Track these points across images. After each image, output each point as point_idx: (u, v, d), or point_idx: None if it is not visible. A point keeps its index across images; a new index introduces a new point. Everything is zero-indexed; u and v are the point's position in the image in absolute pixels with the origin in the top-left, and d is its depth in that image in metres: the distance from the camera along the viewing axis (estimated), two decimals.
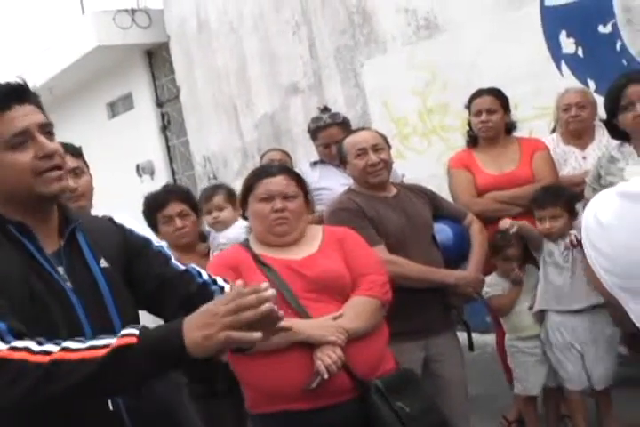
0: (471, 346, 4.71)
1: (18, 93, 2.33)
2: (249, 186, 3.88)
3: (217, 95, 11.92)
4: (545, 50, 7.19)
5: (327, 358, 3.41)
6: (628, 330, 5.10)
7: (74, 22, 14.21)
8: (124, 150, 14.11)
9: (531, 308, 5.07)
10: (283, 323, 2.24)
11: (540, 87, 7.04)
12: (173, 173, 14.21)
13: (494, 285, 5.06)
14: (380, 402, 3.49)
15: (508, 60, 7.37)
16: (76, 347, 2.04)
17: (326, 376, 3.39)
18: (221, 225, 5.08)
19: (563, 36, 7.06)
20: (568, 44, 7.04)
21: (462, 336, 4.67)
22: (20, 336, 2.08)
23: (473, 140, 5.66)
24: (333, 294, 3.64)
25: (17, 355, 2.02)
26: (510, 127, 5.60)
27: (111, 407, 2.32)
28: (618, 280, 1.61)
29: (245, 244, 3.86)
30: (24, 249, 2.31)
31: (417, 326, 4.29)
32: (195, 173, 12.99)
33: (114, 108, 15.50)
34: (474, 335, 4.74)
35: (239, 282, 2.15)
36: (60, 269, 2.35)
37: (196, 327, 2.03)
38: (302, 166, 6.15)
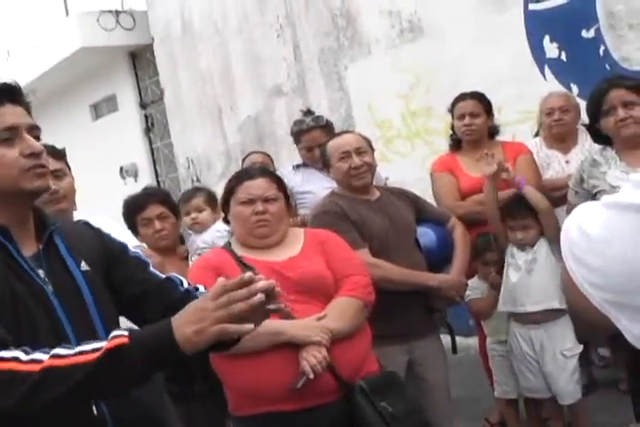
0: (454, 349, 4.72)
1: (12, 93, 2.37)
2: (230, 189, 3.90)
3: (201, 97, 11.91)
4: (528, 54, 7.22)
5: (312, 359, 3.41)
6: (603, 335, 5.13)
7: (57, 23, 14.18)
8: (107, 152, 14.05)
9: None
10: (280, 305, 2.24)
11: (523, 91, 7.07)
12: (157, 175, 14.19)
13: (474, 288, 5.08)
14: (365, 402, 3.51)
15: (491, 63, 7.39)
16: (65, 353, 2.04)
17: (312, 376, 3.38)
18: (200, 226, 5.08)
19: (546, 40, 7.09)
20: (551, 49, 7.07)
21: (445, 339, 4.68)
22: (5, 346, 2.07)
23: (456, 144, 5.68)
24: (317, 295, 3.65)
25: (5, 366, 2.02)
26: (494, 131, 5.62)
27: (95, 412, 2.31)
28: (610, 296, 1.51)
29: (227, 246, 3.87)
30: (4, 251, 2.30)
31: (400, 329, 4.30)
32: (178, 175, 12.98)
33: (97, 110, 15.47)
34: (457, 338, 4.76)
35: (221, 279, 2.14)
36: (41, 273, 2.35)
37: (187, 323, 2.04)
38: (284, 170, 6.15)
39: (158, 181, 13.83)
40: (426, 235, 4.61)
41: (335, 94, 9.51)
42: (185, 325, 2.05)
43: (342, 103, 9.42)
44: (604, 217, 1.53)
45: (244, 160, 7.03)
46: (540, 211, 4.81)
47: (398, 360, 4.31)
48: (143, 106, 14.16)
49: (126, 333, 2.05)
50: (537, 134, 6.09)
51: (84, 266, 2.45)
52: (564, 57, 7.00)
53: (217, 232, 4.92)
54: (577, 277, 1.57)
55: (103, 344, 2.03)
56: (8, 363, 2.02)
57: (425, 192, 5.22)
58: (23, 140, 2.33)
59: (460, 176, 5.49)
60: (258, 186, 3.81)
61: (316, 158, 5.53)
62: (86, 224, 2.70)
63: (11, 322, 2.19)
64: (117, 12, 13.29)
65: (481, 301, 5.16)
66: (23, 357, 2.04)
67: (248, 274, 2.12)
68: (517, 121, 6.98)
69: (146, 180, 13.71)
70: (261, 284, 2.10)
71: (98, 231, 2.66)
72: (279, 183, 3.92)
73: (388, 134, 8.73)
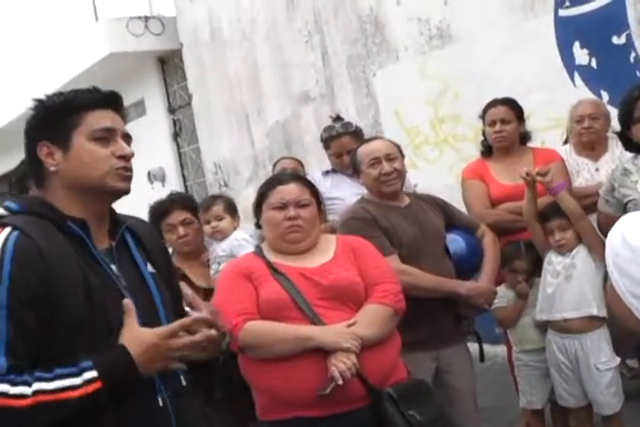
0: (482, 357, 4.69)
1: (115, 101, 2.59)
2: (262, 194, 3.90)
3: (229, 103, 11.93)
4: (558, 60, 7.19)
5: (342, 365, 3.39)
6: (632, 346, 5.09)
7: (87, 29, 14.24)
8: (135, 157, 13.97)
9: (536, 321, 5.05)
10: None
11: (552, 98, 7.03)
12: (184, 179, 14.22)
13: (500, 296, 5.02)
14: (393, 410, 3.49)
15: (520, 70, 7.36)
16: (49, 389, 2.18)
17: (340, 382, 3.37)
18: (220, 235, 5.06)
19: (576, 46, 7.06)
20: (582, 55, 7.04)
21: (473, 347, 4.66)
22: (19, 371, 2.20)
23: (487, 150, 5.66)
24: (347, 302, 3.65)
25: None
26: (525, 137, 5.60)
27: (160, 403, 2.42)
28: None
29: (259, 252, 3.87)
30: (81, 245, 2.39)
31: (428, 336, 4.28)
32: (206, 180, 12.99)
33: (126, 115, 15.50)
34: (484, 346, 4.73)
35: (210, 308, 2.45)
36: (113, 267, 2.44)
37: (149, 360, 2.31)
38: (314, 175, 6.14)
39: (186, 186, 13.85)
40: (455, 242, 4.59)
41: (363, 100, 9.50)
42: (147, 362, 2.30)
43: (370, 109, 9.41)
44: None
45: (274, 165, 7.03)
46: (571, 216, 4.77)
47: (426, 367, 4.30)
48: (171, 111, 14.19)
49: (97, 374, 2.23)
50: (566, 142, 6.06)
51: (150, 268, 2.57)
52: (594, 64, 6.96)
53: (235, 241, 4.92)
54: (620, 286, 1.55)
55: (79, 383, 2.21)
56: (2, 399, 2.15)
57: (453, 199, 5.19)
58: (117, 142, 2.50)
59: (491, 183, 5.46)
60: (290, 191, 3.81)
61: (346, 164, 5.53)
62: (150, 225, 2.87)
63: (84, 318, 2.27)
64: (146, 18, 13.33)
65: (506, 309, 5.12)
66: (10, 390, 2.15)
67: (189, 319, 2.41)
68: (546, 128, 6.94)
69: (173, 184, 13.73)
70: (199, 318, 2.42)
71: (159, 235, 2.86)
72: (312, 188, 3.92)
73: (415, 141, 8.72)
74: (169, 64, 14.04)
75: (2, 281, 2.20)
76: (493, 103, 5.61)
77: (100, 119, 2.48)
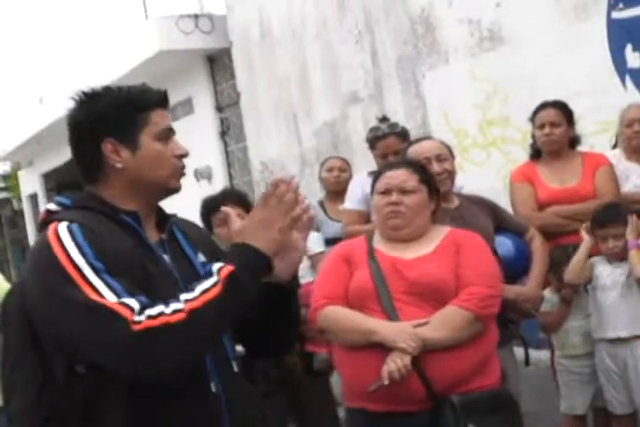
0: (527, 361, 4.65)
1: (166, 101, 2.63)
2: (374, 180, 3.89)
3: (277, 102, 11.97)
4: (609, 63, 7.13)
5: (392, 365, 3.35)
6: None
7: (137, 27, 14.34)
8: None
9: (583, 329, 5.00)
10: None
11: (602, 102, 6.98)
12: (231, 178, 14.26)
13: (545, 301, 4.99)
14: (450, 418, 3.38)
15: (571, 73, 7.32)
16: (193, 296, 2.23)
17: (386, 382, 3.33)
18: None
19: (628, 49, 7.00)
20: (633, 58, 6.97)
21: (518, 351, 4.63)
22: (150, 306, 2.23)
23: (536, 153, 5.61)
24: (430, 300, 3.54)
25: (157, 322, 2.17)
26: (574, 141, 5.56)
27: (213, 389, 2.45)
28: None
29: (370, 236, 3.85)
30: (137, 237, 2.44)
31: None
32: (252, 178, 13.03)
33: (174, 113, 15.57)
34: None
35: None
36: (166, 258, 2.49)
37: (263, 233, 2.36)
38: (359, 176, 6.13)
39: (232, 184, 13.87)
40: (504, 245, 4.55)
41: (412, 102, 9.49)
42: (261, 237, 2.36)
43: (418, 111, 9.39)
44: None
45: (322, 165, 7.03)
46: None
47: None
48: (219, 109, 14.24)
49: (223, 264, 2.30)
50: (615, 146, 6.01)
51: (201, 257, 2.61)
52: None
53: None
54: None
55: (215, 279, 2.26)
56: (159, 318, 2.18)
57: (499, 202, 5.13)
58: (173, 142, 2.56)
59: (539, 186, 5.42)
60: (396, 176, 3.76)
61: None
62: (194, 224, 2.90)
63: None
64: (196, 16, 13.40)
65: (550, 314, 5.08)
66: (167, 309, 2.20)
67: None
68: (596, 132, 6.89)
69: (220, 182, 13.78)
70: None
71: (206, 230, 2.86)
72: (423, 176, 3.82)
73: (463, 143, 8.69)
74: (218, 62, 14.09)
75: (87, 253, 2.25)
76: (544, 106, 5.57)
77: (163, 119, 2.54)
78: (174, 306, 2.20)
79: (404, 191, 3.72)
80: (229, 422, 2.47)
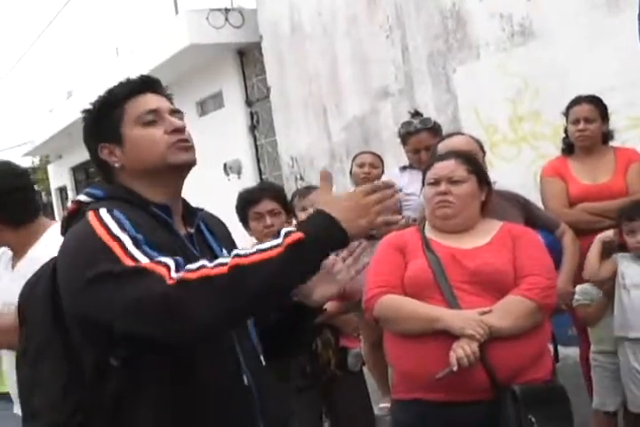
0: (557, 357, 4.64)
1: (153, 85, 2.59)
2: (424, 173, 3.91)
3: (307, 96, 11.96)
4: None
5: (460, 351, 3.32)
6: None
7: (167, 21, 14.38)
8: (212, 148, 14.11)
9: None
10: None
11: (634, 97, 6.93)
12: (260, 172, 14.29)
13: (585, 293, 4.95)
14: (511, 409, 3.38)
15: (603, 68, 7.26)
16: (245, 253, 2.14)
17: (455, 369, 3.31)
18: None
19: None
20: None
21: None
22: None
23: (568, 148, 5.59)
24: (491, 289, 3.54)
25: (196, 274, 2.10)
26: (607, 136, 5.52)
27: (246, 382, 2.44)
28: None
29: (421, 227, 3.86)
30: (169, 229, 2.44)
31: None
32: (282, 173, 13.03)
33: (204, 107, 15.63)
34: None
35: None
36: (196, 252, 2.47)
37: (355, 217, 2.21)
38: (390, 172, 6.12)
39: (262, 179, 13.90)
40: None
41: (442, 97, 9.46)
42: (353, 219, 2.21)
43: (449, 106, 9.37)
44: None
45: (353, 159, 7.00)
46: None
47: None
48: (249, 103, 14.27)
49: (295, 229, 2.17)
50: None
51: (225, 253, 2.56)
52: None
53: None
54: None
55: (279, 241, 2.14)
56: (198, 272, 2.11)
57: (529, 198, 5.14)
58: (165, 120, 2.51)
59: (570, 182, 5.40)
60: (445, 166, 3.77)
61: (423, 160, 5.49)
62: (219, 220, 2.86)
63: None
64: (227, 10, 13.44)
65: (590, 307, 5.03)
66: (209, 263, 2.14)
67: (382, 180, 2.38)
68: (627, 127, 6.85)
69: (249, 177, 13.82)
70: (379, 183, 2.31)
71: (224, 224, 2.84)
72: (472, 166, 3.83)
73: (493, 138, 8.65)
74: (248, 57, 14.12)
75: (128, 229, 2.25)
76: (578, 101, 5.53)
77: (142, 104, 2.51)
78: (219, 260, 2.15)
79: (452, 181, 3.73)
80: (261, 415, 2.47)
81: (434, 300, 3.52)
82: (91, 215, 2.31)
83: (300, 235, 2.13)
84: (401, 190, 5.59)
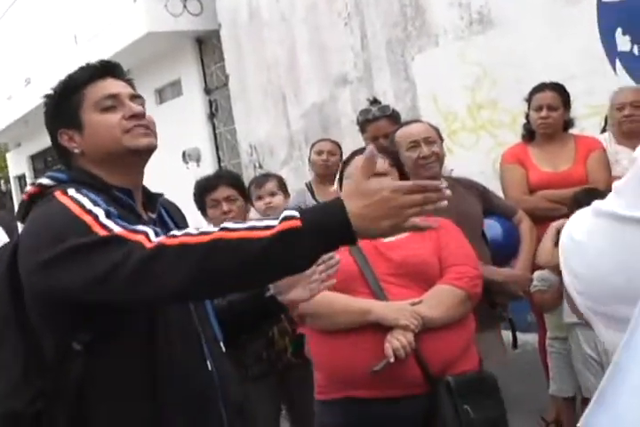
0: (515, 344, 4.66)
1: (114, 70, 2.59)
2: (342, 166, 3.86)
3: (266, 84, 11.93)
4: (599, 47, 7.11)
5: (396, 342, 3.27)
6: None
7: (125, 9, 14.26)
8: (170, 136, 13.98)
9: None
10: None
11: (592, 85, 6.95)
12: (219, 160, 14.25)
13: (543, 280, 4.97)
14: (447, 401, 3.34)
15: (561, 57, 7.29)
16: (234, 227, 2.02)
17: (392, 360, 3.25)
18: (273, 211, 5.14)
19: (618, 33, 6.97)
20: (624, 42, 6.95)
21: (505, 334, 4.64)
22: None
23: (529, 135, 5.60)
24: (418, 280, 3.51)
25: (176, 240, 2.04)
26: (568, 124, 5.54)
27: (209, 367, 2.45)
28: (590, 303, 1.52)
29: None
30: (133, 213, 2.43)
31: None
32: (241, 161, 13.00)
33: (162, 94, 15.55)
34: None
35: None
36: None
37: (379, 216, 1.99)
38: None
39: (220, 167, 13.86)
40: (493, 228, 4.55)
41: (401, 84, 9.47)
42: (375, 219, 1.99)
43: (408, 93, 9.37)
44: (588, 223, 1.53)
45: (311, 147, 6.98)
46: None
47: None
48: (207, 91, 14.21)
49: (298, 214, 1.99)
50: (604, 130, 5.99)
51: None
52: (636, 51, 6.87)
53: None
54: (567, 282, 1.57)
55: (274, 223, 1.98)
56: (179, 238, 2.04)
57: (488, 185, 5.14)
58: (125, 105, 2.49)
59: (530, 169, 5.41)
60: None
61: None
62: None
63: None
64: None
65: (547, 293, 5.05)
66: (194, 231, 2.06)
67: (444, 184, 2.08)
68: (586, 116, 6.87)
69: (208, 165, 13.77)
70: (449, 192, 2.07)
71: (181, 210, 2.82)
72: (393, 160, 3.76)
73: (452, 126, 8.68)
74: (206, 44, 14.06)
75: (100, 204, 2.23)
76: (541, 87, 5.54)
77: (101, 89, 2.50)
78: (206, 228, 2.06)
79: (375, 175, 3.65)
80: (222, 399, 2.48)
81: (361, 293, 3.46)
82: (59, 194, 2.30)
83: (296, 223, 1.97)
84: None
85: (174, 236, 2.06)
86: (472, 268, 3.63)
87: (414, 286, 3.50)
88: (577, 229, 1.55)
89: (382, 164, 3.64)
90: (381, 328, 3.35)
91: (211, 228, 2.06)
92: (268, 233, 1.97)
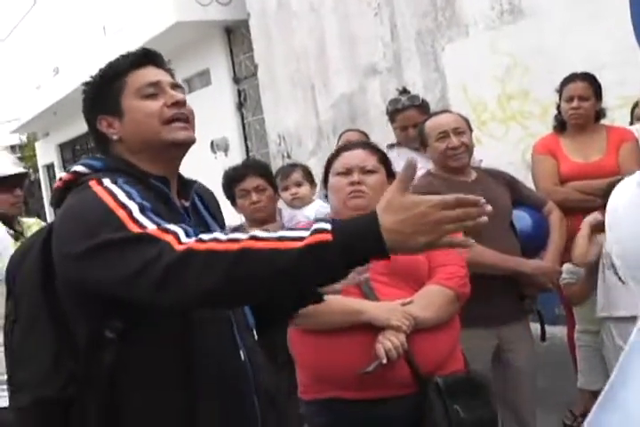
0: (543, 337, 4.63)
1: (155, 58, 2.59)
2: (329, 161, 3.75)
3: (294, 74, 11.91)
4: (632, 38, 7.03)
5: (388, 343, 3.21)
6: None
7: None
8: (199, 126, 13.88)
9: None
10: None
11: (624, 76, 6.89)
12: (247, 150, 14.25)
13: (572, 272, 4.92)
14: (437, 401, 3.28)
15: (592, 47, 7.23)
16: (264, 236, 1.98)
17: (385, 361, 3.19)
18: (299, 201, 5.12)
19: None
20: None
21: (534, 327, 4.61)
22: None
23: (560, 126, 5.56)
24: (408, 281, 3.47)
25: (204, 246, 2.00)
26: (599, 115, 5.49)
27: (242, 357, 2.45)
28: (626, 268, 1.58)
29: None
30: (168, 202, 2.42)
31: (490, 313, 4.19)
32: (269, 151, 12.99)
33: (190, 84, 15.56)
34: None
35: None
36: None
37: (415, 232, 1.92)
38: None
39: (248, 157, 13.85)
40: (522, 219, 4.51)
41: (431, 75, 9.42)
42: (410, 234, 1.93)
43: (437, 84, 9.33)
44: (631, 193, 1.61)
45: (339, 138, 6.97)
46: None
47: (486, 345, 4.26)
48: (236, 81, 14.21)
49: (330, 227, 1.94)
50: (632, 122, 5.94)
51: (217, 228, 2.58)
52: None
53: (322, 208, 4.93)
54: (608, 244, 1.63)
55: (305, 235, 1.94)
56: (207, 244, 2.00)
57: (517, 176, 5.11)
58: (166, 93, 2.50)
59: (562, 160, 5.37)
60: (355, 156, 3.62)
61: (411, 138, 5.47)
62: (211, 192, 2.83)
63: None
64: None
65: (576, 286, 5.01)
66: (222, 237, 2.01)
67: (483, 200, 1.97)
68: (617, 106, 6.81)
69: (236, 154, 13.78)
70: (489, 208, 1.97)
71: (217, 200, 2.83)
72: (380, 156, 3.70)
73: (482, 117, 8.63)
74: (235, 34, 14.05)
75: (135, 197, 2.22)
76: (572, 78, 5.50)
77: (142, 77, 2.50)
78: (235, 235, 2.01)
79: (364, 171, 3.58)
80: (255, 390, 2.48)
81: (351, 293, 3.34)
82: (94, 184, 2.29)
83: (327, 236, 1.92)
84: None
85: (202, 240, 2.01)
86: (460, 267, 3.59)
87: (404, 286, 3.45)
88: (621, 198, 1.61)
89: (372, 161, 3.62)
90: (371, 329, 3.29)
91: (240, 234, 2.01)
92: (297, 245, 1.93)
